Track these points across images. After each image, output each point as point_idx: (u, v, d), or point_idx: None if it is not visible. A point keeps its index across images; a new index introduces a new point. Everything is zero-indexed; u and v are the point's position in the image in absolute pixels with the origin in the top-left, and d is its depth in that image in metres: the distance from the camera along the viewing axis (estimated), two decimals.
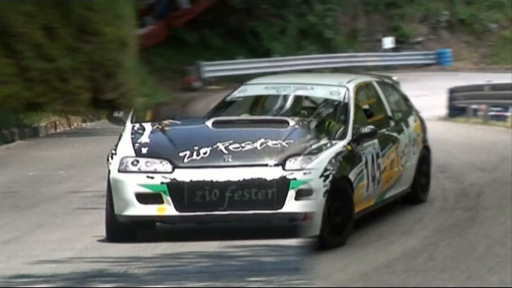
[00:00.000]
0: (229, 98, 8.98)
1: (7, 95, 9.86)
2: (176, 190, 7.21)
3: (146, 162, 7.36)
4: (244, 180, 7.17)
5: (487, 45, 39.71)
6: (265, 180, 7.15)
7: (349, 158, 7.90)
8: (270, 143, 7.44)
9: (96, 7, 13.70)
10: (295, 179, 7.13)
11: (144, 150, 7.51)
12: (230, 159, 7.31)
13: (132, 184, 7.31)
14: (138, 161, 7.40)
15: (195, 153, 7.37)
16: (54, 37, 11.90)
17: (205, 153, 7.37)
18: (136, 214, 7.34)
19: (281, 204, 7.13)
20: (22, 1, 10.55)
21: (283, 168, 7.21)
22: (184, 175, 7.25)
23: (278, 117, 8.16)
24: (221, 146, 7.42)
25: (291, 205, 7.14)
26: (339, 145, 7.93)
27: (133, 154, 7.47)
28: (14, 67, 10.37)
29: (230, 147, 7.40)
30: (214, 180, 7.20)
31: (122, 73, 14.50)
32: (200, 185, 7.21)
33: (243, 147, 7.41)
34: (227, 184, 7.19)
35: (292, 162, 7.24)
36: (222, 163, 7.29)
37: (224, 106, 8.91)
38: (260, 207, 7.16)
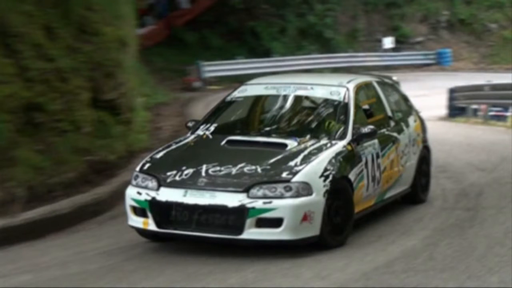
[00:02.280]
0: (229, 98, 8.98)
1: (7, 95, 9.91)
2: (155, 208, 7.44)
3: (142, 178, 7.65)
4: (209, 204, 7.22)
5: (487, 45, 39.71)
6: (226, 206, 7.17)
7: (349, 158, 7.90)
8: (246, 168, 7.42)
9: (96, 7, 13.71)
10: (253, 208, 7.11)
11: (146, 166, 7.79)
12: (203, 183, 7.35)
13: (128, 197, 7.72)
14: (138, 176, 7.71)
15: (179, 173, 7.50)
16: (54, 37, 11.96)
17: (186, 174, 7.49)
18: (131, 224, 7.76)
19: (240, 231, 7.14)
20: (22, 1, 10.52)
21: (248, 195, 7.18)
22: (162, 194, 7.42)
23: (277, 140, 8.02)
24: (204, 168, 7.50)
25: (251, 233, 7.13)
26: (339, 145, 7.93)
27: (138, 169, 7.81)
28: (14, 67, 10.43)
29: (210, 170, 7.46)
30: (184, 202, 7.30)
31: (122, 73, 14.52)
32: (173, 205, 7.36)
33: (220, 171, 7.44)
34: (195, 207, 7.26)
35: (257, 190, 7.19)
36: (196, 186, 7.35)
37: (224, 106, 8.91)
38: (222, 231, 7.21)
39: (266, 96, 8.94)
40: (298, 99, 8.71)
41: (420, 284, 6.37)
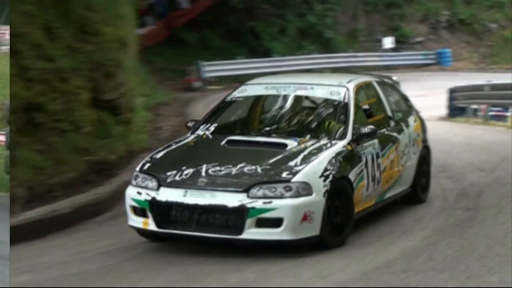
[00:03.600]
0: (229, 98, 8.98)
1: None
2: (155, 207, 7.44)
3: (142, 178, 7.65)
4: (209, 204, 7.22)
5: (487, 45, 39.68)
6: (226, 206, 7.17)
7: (349, 158, 7.91)
8: (246, 168, 7.43)
9: (96, 7, 13.73)
10: (253, 208, 7.11)
11: (146, 166, 7.79)
12: (203, 183, 7.35)
13: (128, 197, 7.72)
14: (138, 176, 7.71)
15: (179, 173, 7.50)
16: (54, 37, 11.97)
17: (186, 174, 7.49)
18: (131, 224, 7.76)
19: (240, 231, 7.14)
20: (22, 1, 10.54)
21: (248, 195, 7.18)
22: (163, 194, 7.42)
23: (277, 140, 8.03)
24: (204, 168, 7.50)
25: (251, 233, 7.13)
26: (339, 145, 7.94)
27: (138, 169, 7.81)
28: (14, 67, 10.44)
29: (210, 170, 7.46)
30: (184, 202, 7.30)
31: (122, 73, 14.54)
32: (173, 205, 7.36)
33: (220, 171, 7.44)
34: (195, 207, 7.26)
35: (257, 190, 7.20)
36: (196, 186, 7.35)
37: (224, 106, 8.91)
38: (222, 231, 7.21)
39: (266, 96, 8.94)
40: (298, 99, 8.71)
41: (420, 284, 6.37)
